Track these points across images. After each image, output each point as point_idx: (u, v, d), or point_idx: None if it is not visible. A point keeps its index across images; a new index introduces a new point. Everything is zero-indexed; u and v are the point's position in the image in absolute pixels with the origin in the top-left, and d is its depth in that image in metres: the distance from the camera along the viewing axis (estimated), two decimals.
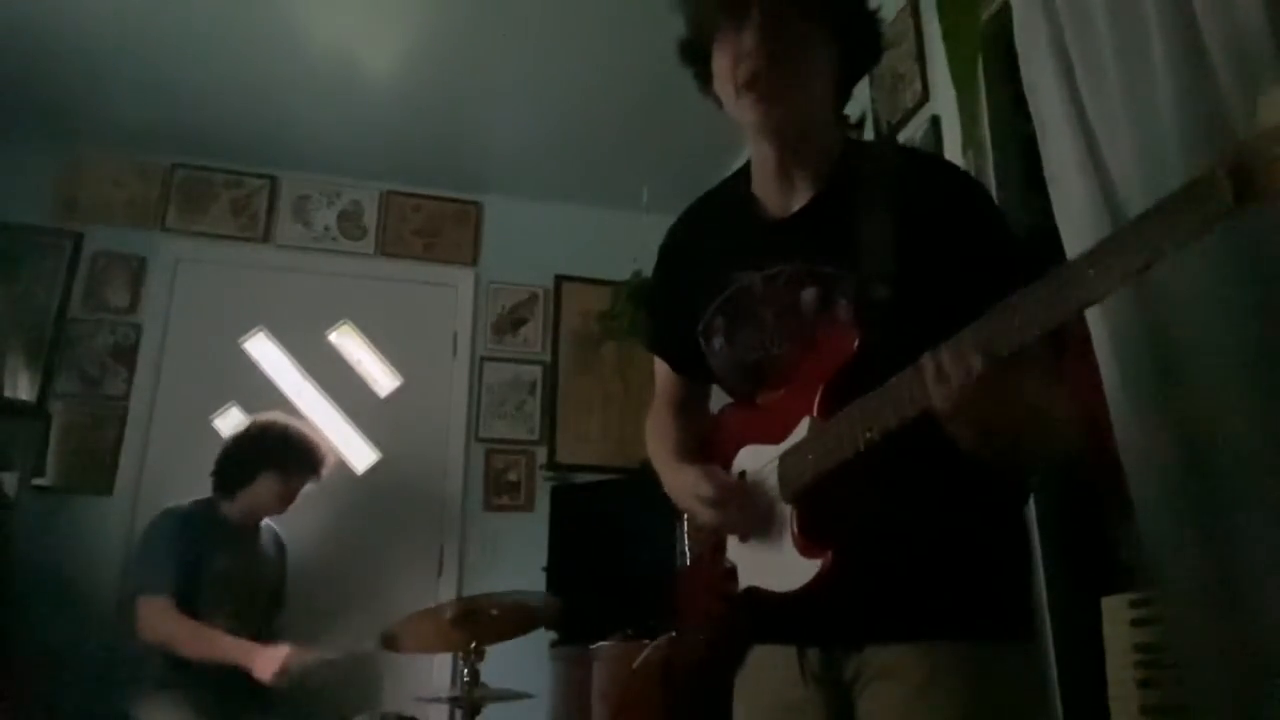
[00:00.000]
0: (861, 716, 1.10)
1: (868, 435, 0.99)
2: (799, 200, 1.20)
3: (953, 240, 1.09)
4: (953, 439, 0.96)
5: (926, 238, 1.09)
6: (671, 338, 1.38)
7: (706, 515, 1.17)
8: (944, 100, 2.33)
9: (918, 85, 2.47)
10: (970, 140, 2.15)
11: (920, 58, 2.48)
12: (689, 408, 1.41)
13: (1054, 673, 1.81)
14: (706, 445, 1.28)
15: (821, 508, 1.07)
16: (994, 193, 2.19)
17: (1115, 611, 1.57)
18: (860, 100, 2.76)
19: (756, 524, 1.14)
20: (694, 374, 1.36)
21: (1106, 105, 1.64)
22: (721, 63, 1.16)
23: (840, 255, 1.12)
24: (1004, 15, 2.02)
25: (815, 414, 1.07)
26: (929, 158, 1.37)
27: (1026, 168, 2.08)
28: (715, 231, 1.32)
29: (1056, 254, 1.74)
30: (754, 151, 1.24)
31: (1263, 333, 1.36)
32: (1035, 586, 1.82)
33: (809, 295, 1.14)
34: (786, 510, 1.10)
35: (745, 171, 1.29)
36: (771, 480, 1.12)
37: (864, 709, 1.09)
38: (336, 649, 2.63)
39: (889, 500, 1.06)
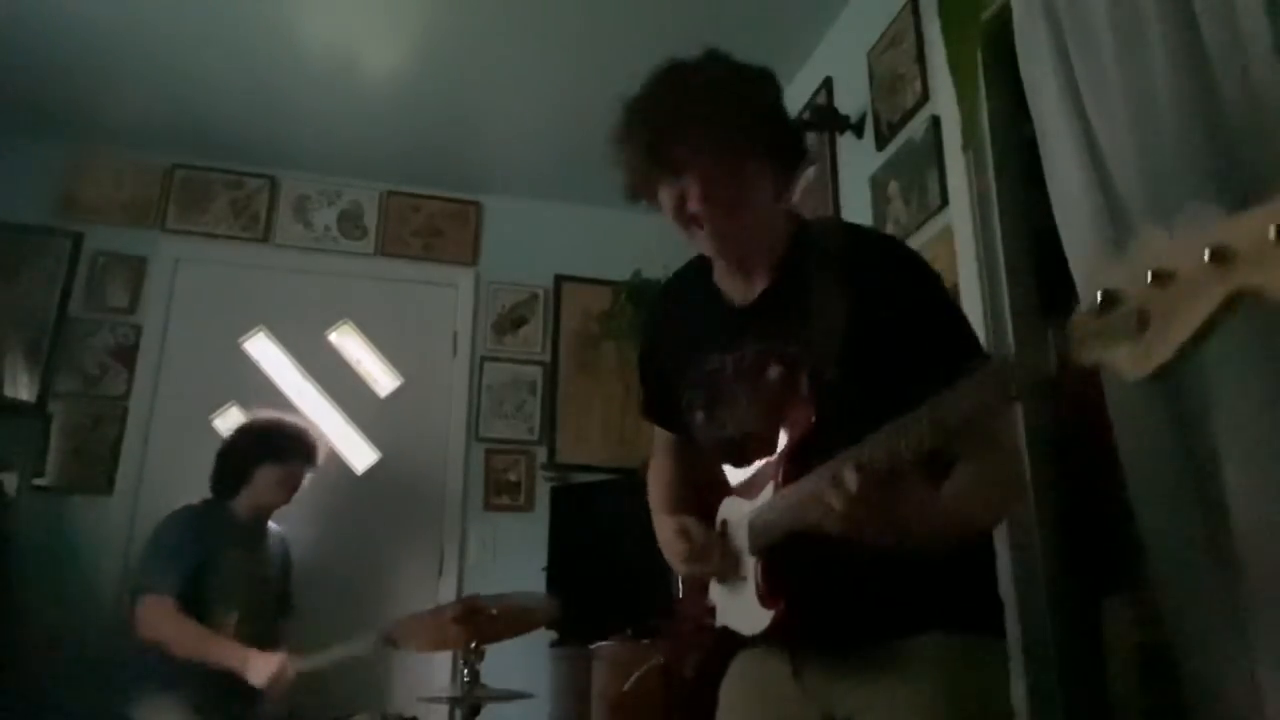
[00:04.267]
0: (844, 711, 1.18)
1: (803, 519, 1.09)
2: (756, 287, 1.32)
3: (897, 321, 1.18)
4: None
5: (872, 319, 1.19)
6: (660, 406, 1.51)
7: (682, 569, 1.32)
8: (944, 100, 2.33)
9: (918, 85, 2.47)
10: (970, 140, 2.15)
11: (920, 58, 2.47)
12: (684, 454, 1.53)
13: (1054, 673, 1.81)
14: (704, 489, 1.39)
15: (783, 560, 1.18)
16: (994, 194, 2.19)
17: (1116, 611, 1.57)
18: (860, 100, 2.76)
19: (730, 571, 1.26)
20: (685, 433, 1.46)
21: (1106, 105, 1.64)
22: (668, 204, 1.27)
23: (797, 335, 1.23)
24: (1004, 15, 2.01)
25: (779, 481, 1.19)
26: (874, 237, 1.47)
27: (1026, 168, 2.08)
28: (688, 314, 1.44)
29: (1057, 254, 1.75)
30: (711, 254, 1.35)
31: (1261, 327, 1.36)
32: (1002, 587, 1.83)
33: (774, 373, 1.26)
34: (752, 562, 1.21)
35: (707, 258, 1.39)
36: (743, 534, 1.24)
37: (847, 704, 1.18)
38: (331, 654, 2.62)
39: (846, 550, 1.10)
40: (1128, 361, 0.69)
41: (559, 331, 3.96)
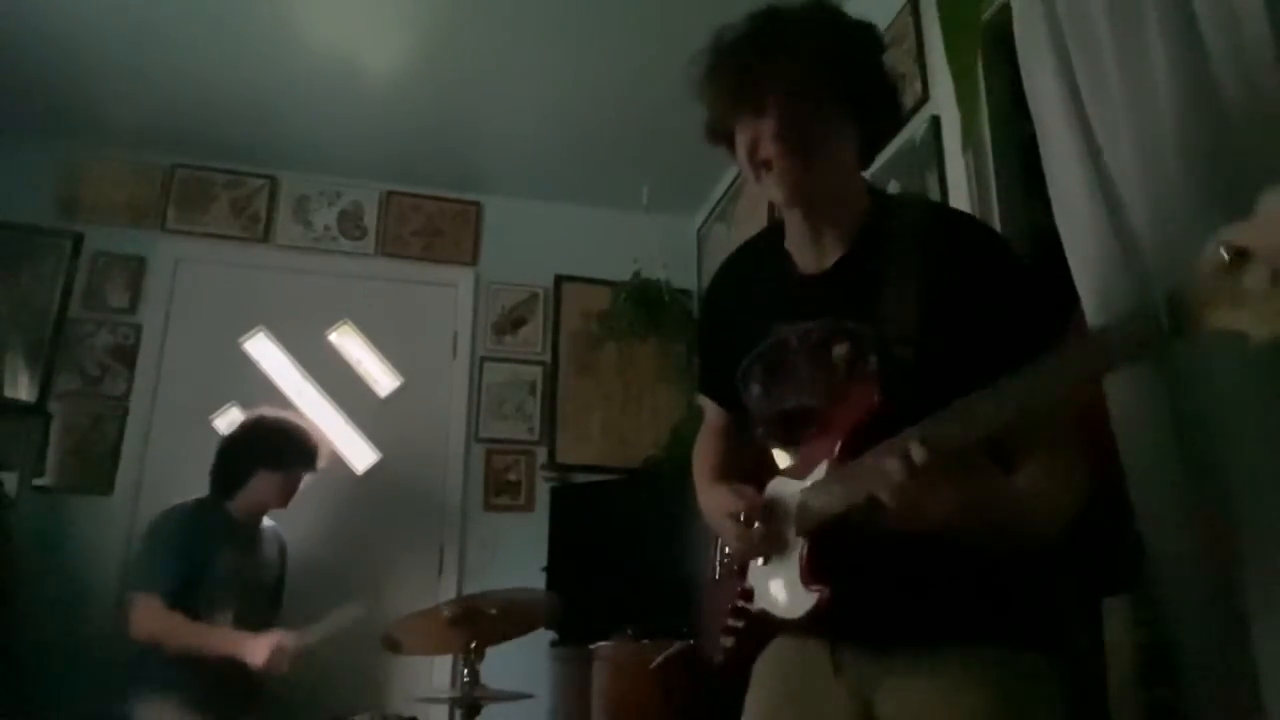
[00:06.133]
0: (888, 713, 1.13)
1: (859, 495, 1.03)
2: (829, 258, 1.26)
3: (975, 304, 1.12)
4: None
5: (950, 300, 1.13)
6: (717, 380, 1.45)
7: (733, 532, 1.23)
8: (944, 100, 2.33)
9: (918, 85, 2.47)
10: (970, 140, 2.15)
11: (920, 58, 2.47)
12: (733, 436, 1.48)
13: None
14: (752, 470, 1.32)
15: (831, 542, 1.12)
16: (994, 194, 2.19)
17: (1116, 612, 1.57)
18: None
19: (775, 549, 1.19)
20: (739, 411, 1.42)
21: (1106, 105, 1.63)
22: (742, 146, 1.21)
23: (868, 313, 1.17)
24: (1004, 15, 2.01)
25: (835, 460, 1.13)
26: (957, 216, 1.39)
27: (1026, 168, 2.08)
28: (754, 283, 1.39)
29: (1057, 254, 1.75)
30: (785, 215, 1.29)
31: None
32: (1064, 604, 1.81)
33: (840, 351, 1.20)
34: (799, 542, 1.15)
35: (780, 225, 1.33)
36: (791, 512, 1.18)
37: (888, 708, 1.13)
38: (324, 625, 2.62)
39: (897, 535, 1.06)
40: (1255, 322, 0.65)
41: (559, 331, 3.96)
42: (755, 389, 1.31)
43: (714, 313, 1.51)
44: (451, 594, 3.34)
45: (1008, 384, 0.88)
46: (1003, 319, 1.11)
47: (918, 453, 0.92)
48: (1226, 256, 0.67)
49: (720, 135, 1.27)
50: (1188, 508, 1.44)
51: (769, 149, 1.17)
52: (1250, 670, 1.32)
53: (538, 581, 3.19)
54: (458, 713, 2.43)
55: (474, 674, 2.31)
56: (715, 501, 1.29)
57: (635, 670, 2.32)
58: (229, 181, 3.80)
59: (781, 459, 1.27)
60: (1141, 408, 1.53)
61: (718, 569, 1.38)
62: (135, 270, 3.58)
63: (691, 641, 1.74)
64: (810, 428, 1.21)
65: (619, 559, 3.02)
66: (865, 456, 1.04)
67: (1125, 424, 1.57)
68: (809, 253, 1.28)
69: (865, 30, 1.23)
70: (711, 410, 1.52)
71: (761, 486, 1.26)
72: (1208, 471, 1.41)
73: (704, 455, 1.48)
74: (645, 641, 2.35)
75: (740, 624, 1.26)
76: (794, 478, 1.20)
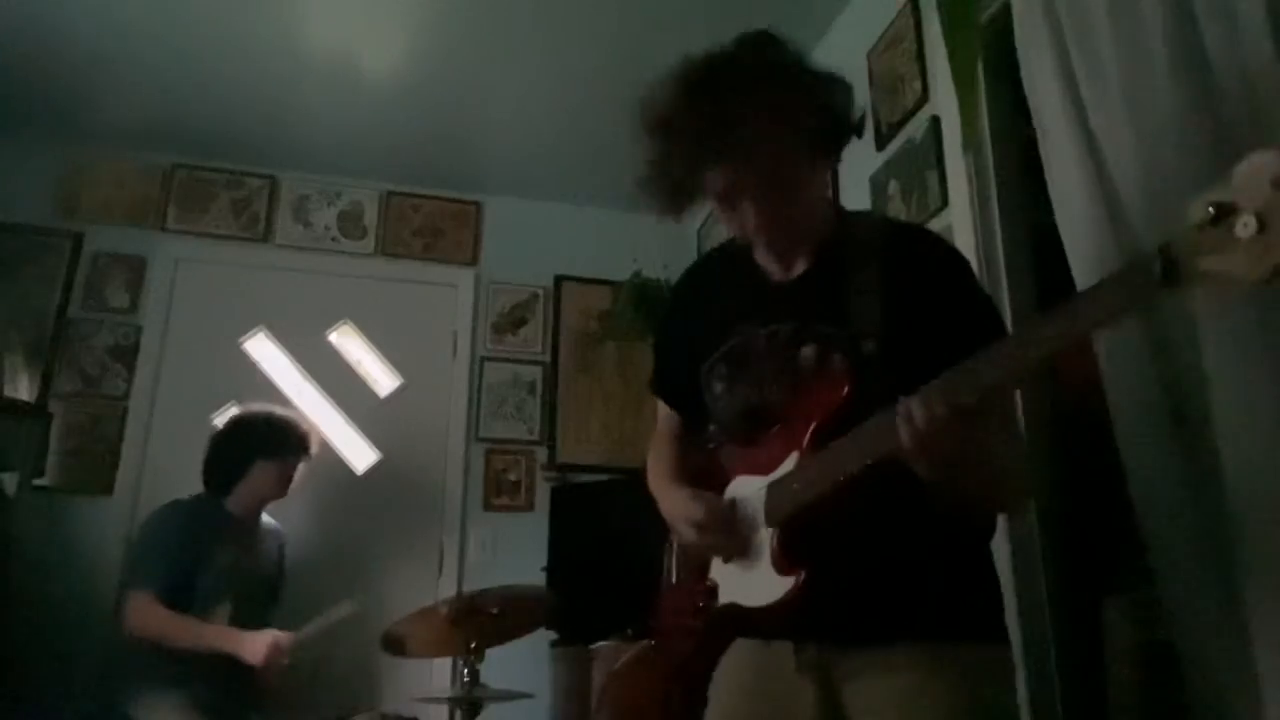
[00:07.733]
0: (854, 710, 1.16)
1: (848, 467, 1.08)
2: (797, 268, 1.31)
3: (935, 305, 1.19)
4: (916, 474, 1.04)
5: (911, 301, 1.19)
6: (674, 382, 1.49)
7: (693, 536, 1.27)
8: (944, 100, 2.33)
9: (918, 85, 2.47)
10: (970, 140, 2.15)
11: (920, 58, 2.48)
12: (687, 441, 1.52)
13: (1054, 673, 1.81)
14: (702, 474, 1.36)
15: (801, 531, 1.17)
16: (994, 194, 2.19)
17: (1116, 611, 1.57)
18: (860, 100, 2.75)
19: (739, 546, 1.23)
20: (693, 414, 1.46)
21: (1106, 105, 1.64)
22: (712, 193, 1.24)
23: (835, 317, 1.23)
24: (1004, 15, 2.01)
25: (804, 449, 1.17)
26: (916, 230, 1.48)
27: (1026, 168, 2.08)
28: (721, 287, 1.42)
29: (1057, 254, 1.75)
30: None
31: (1263, 329, 1.36)
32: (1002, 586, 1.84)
33: (808, 352, 1.24)
34: (768, 534, 1.19)
35: None
36: (757, 507, 1.22)
37: (858, 703, 1.16)
38: (319, 622, 2.62)
39: (864, 524, 1.14)
40: (1244, 265, 0.70)
41: (559, 331, 3.96)
42: (718, 386, 1.35)
43: (676, 316, 1.55)
44: (451, 594, 3.33)
45: (1009, 341, 0.93)
46: (957, 316, 1.19)
47: (939, 405, 0.96)
48: (1211, 212, 0.72)
49: (683, 187, 1.25)
50: (1188, 506, 1.44)
51: (747, 214, 1.22)
52: (1250, 670, 1.32)
53: (538, 582, 3.18)
54: (458, 713, 2.43)
55: (474, 674, 2.31)
56: (677, 505, 1.33)
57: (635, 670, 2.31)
58: (229, 181, 3.80)
59: (739, 457, 1.30)
60: (1142, 406, 1.54)
61: (674, 572, 1.42)
62: (135, 270, 3.58)
63: (652, 643, 1.77)
64: (771, 426, 1.25)
65: (619, 559, 3.00)
66: (858, 429, 1.08)
67: (1126, 423, 1.57)
68: (777, 266, 1.33)
69: (812, 71, 1.29)
70: (665, 414, 1.55)
71: (712, 488, 1.31)
72: (1210, 469, 1.41)
73: (660, 459, 1.51)
74: (644, 642, 2.35)
75: (702, 623, 1.29)
76: (756, 475, 1.24)
